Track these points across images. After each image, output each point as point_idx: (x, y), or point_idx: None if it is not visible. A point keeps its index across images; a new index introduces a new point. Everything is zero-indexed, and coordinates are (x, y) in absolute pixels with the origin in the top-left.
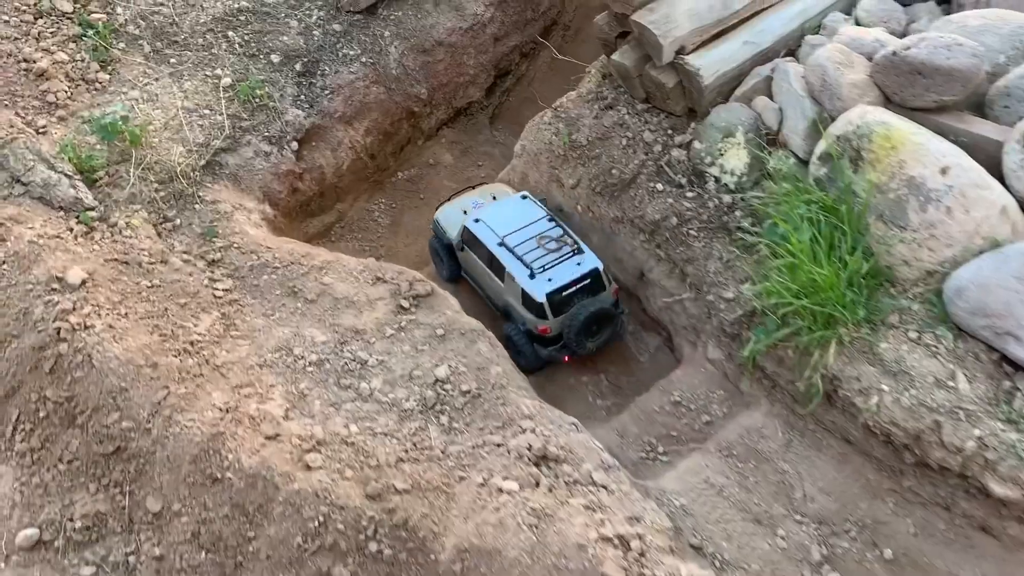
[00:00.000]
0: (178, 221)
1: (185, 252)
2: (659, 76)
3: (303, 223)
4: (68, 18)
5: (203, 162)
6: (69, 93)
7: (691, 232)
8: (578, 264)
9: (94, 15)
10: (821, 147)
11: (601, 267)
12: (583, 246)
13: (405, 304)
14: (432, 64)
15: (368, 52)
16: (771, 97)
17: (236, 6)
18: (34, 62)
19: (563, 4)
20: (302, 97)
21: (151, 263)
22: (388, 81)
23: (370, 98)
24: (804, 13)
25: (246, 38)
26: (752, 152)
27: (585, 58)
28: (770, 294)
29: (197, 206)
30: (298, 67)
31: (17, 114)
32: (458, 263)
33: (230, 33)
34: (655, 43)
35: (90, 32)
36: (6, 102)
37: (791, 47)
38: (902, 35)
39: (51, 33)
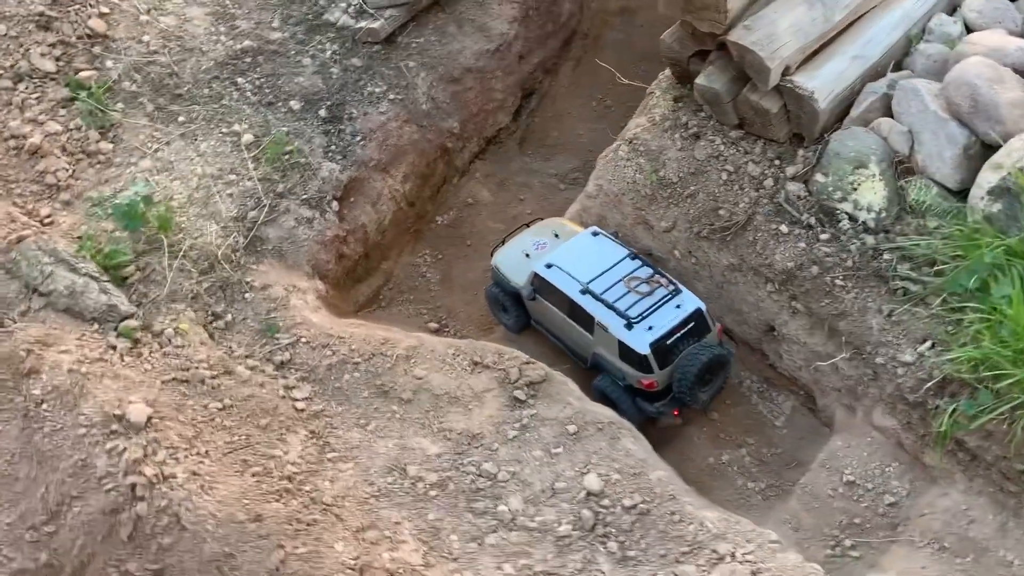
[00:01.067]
0: (230, 317)
1: (248, 356)
2: (761, 101)
3: (351, 292)
4: (52, 79)
5: (244, 241)
6: (70, 171)
7: (837, 282)
8: (678, 307)
9: (82, 73)
10: (990, 180)
11: (704, 307)
12: (678, 284)
13: (520, 395)
14: (462, 93)
15: (395, 87)
16: (890, 116)
17: (239, 47)
18: (24, 137)
19: (582, 11)
20: (333, 147)
21: (214, 377)
22: (419, 118)
23: (404, 140)
24: (907, 19)
25: (258, 83)
26: (890, 185)
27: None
28: (971, 361)
29: (247, 295)
30: (322, 112)
31: (15, 204)
32: (526, 312)
33: (239, 79)
34: (760, 66)
35: (82, 94)
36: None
37: (896, 58)
38: (1021, 35)
39: (36, 99)
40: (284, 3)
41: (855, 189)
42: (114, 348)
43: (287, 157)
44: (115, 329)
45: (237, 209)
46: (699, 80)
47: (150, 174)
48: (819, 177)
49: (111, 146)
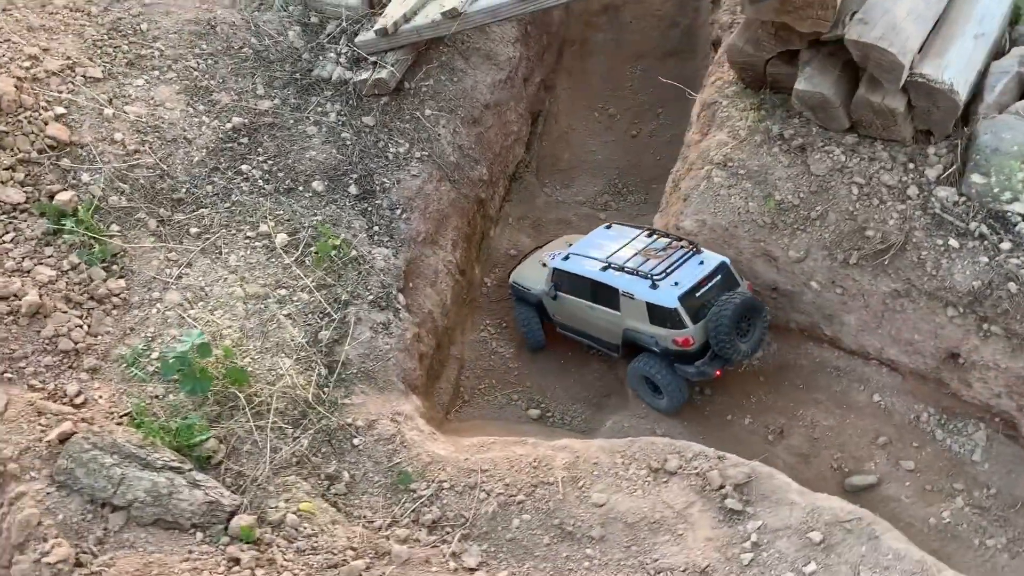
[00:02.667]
0: (347, 475)
1: (393, 523)
2: (884, 101)
3: (433, 392)
4: (24, 211)
5: (328, 372)
6: (84, 326)
7: None
8: (701, 263)
9: (58, 196)
10: None
11: (728, 261)
12: (698, 245)
13: (734, 505)
14: (484, 134)
15: (417, 142)
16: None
17: (228, 126)
18: (16, 297)
19: (567, 16)
20: (376, 228)
21: (370, 567)
22: (451, 172)
23: (444, 202)
24: None
25: (266, 167)
26: None
27: (597, 70)
28: None
29: (356, 440)
30: (352, 189)
31: (32, 387)
32: (543, 322)
33: (243, 167)
34: (892, 64)
35: (67, 223)
36: (8, 374)
37: (1007, 31)
38: None
39: (12, 242)
40: (261, 64)
41: None
42: (238, 561)
43: (336, 252)
44: (226, 532)
45: (304, 332)
46: (800, 85)
47: (183, 310)
48: (976, 178)
49: (123, 283)
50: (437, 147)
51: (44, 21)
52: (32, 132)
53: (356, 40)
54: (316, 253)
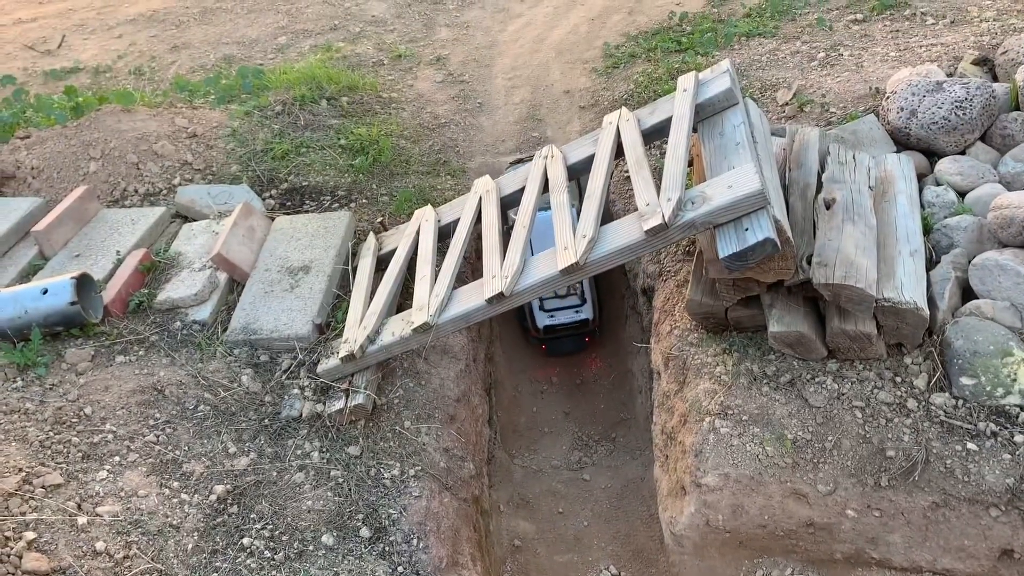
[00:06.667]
0: None
1: None
2: (858, 328)
3: None
4: None
5: None
6: None
7: None
8: (576, 312)
9: None
10: None
11: (591, 318)
12: (588, 299)
13: None
14: (461, 427)
15: (407, 458)
16: (973, 298)
17: (212, 499)
18: None
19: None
20: (400, 567)
21: None
22: (445, 479)
23: (452, 515)
24: (913, 201)
25: (267, 535)
26: None
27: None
28: None
29: None
30: (364, 532)
31: None
32: None
33: (243, 541)
34: (862, 297)
35: None
36: None
37: None
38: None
39: None
40: (223, 419)
41: (1014, 380)
42: None
43: None
44: None
45: None
46: (773, 328)
47: None
48: (965, 380)
49: None
50: (427, 458)
51: None
52: (8, 573)
53: (319, 370)
54: None
